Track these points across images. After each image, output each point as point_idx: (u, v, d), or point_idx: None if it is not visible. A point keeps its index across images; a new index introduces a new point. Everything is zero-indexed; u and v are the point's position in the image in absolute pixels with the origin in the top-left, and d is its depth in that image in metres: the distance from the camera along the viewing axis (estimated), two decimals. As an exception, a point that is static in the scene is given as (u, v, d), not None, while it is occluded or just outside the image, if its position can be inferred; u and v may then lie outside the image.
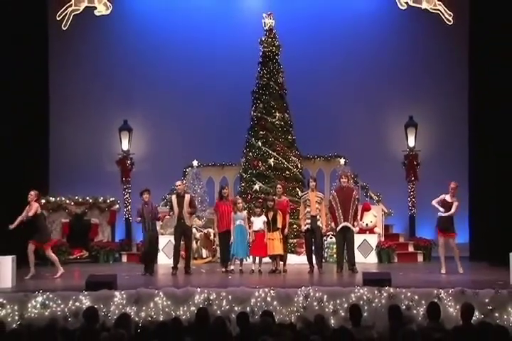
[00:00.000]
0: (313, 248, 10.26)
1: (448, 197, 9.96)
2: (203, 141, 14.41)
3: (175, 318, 6.36)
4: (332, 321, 7.12)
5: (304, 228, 10.28)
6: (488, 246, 11.78)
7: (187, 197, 10.42)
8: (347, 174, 11.10)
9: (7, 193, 11.85)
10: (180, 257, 10.46)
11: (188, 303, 7.32)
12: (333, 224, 10.48)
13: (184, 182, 12.78)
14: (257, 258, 10.42)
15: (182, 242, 10.45)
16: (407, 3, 14.46)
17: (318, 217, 10.17)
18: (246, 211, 10.92)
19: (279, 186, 10.89)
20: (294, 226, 11.84)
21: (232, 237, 10.40)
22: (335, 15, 14.71)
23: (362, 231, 11.93)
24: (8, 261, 8.70)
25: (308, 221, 10.15)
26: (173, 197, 10.50)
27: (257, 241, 10.30)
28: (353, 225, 10.19)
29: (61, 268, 9.90)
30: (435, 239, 12.77)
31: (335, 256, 11.47)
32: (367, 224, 12.36)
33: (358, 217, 10.54)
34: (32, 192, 9.88)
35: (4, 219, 11.63)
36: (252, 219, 10.45)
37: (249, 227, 10.50)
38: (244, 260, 10.51)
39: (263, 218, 10.37)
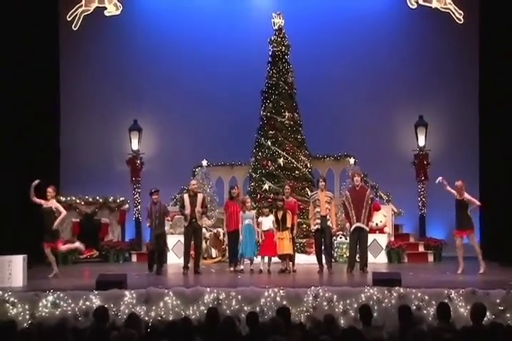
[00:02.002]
0: (322, 248, 10.24)
1: (457, 196, 9.88)
2: (212, 141, 14.43)
3: (184, 318, 6.37)
4: (342, 321, 7.09)
5: (313, 228, 10.26)
6: (499, 246, 11.71)
7: (200, 196, 10.41)
8: (360, 173, 11.02)
9: (17, 193, 11.92)
10: (190, 257, 10.46)
11: (198, 303, 7.32)
12: (347, 225, 10.44)
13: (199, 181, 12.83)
14: (266, 258, 10.43)
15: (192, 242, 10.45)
16: (417, 2, 14.40)
17: (327, 216, 10.14)
18: (255, 211, 10.91)
19: (287, 187, 10.90)
20: (304, 226, 11.83)
21: (240, 237, 10.42)
22: (344, 14, 14.68)
23: (372, 231, 11.86)
24: (19, 260, 8.74)
25: (318, 221, 10.12)
26: (186, 195, 10.46)
27: (266, 241, 10.30)
28: (367, 225, 10.15)
29: (56, 268, 9.88)
30: (446, 239, 12.77)
31: (344, 256, 11.47)
32: (377, 224, 12.32)
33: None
34: (50, 189, 9.93)
35: (16, 219, 11.75)
36: (260, 219, 10.44)
37: (257, 226, 10.47)
38: (253, 259, 10.50)
39: (271, 218, 10.38)
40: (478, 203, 9.98)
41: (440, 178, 9.96)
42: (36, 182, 9.70)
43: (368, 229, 10.24)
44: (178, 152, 14.59)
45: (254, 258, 10.52)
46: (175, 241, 12.13)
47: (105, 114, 14.78)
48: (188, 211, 10.19)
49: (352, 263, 10.12)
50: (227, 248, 11.57)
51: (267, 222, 10.36)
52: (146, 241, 13.33)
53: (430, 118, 14.25)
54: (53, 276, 9.70)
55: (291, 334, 5.74)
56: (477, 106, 13.35)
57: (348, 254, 11.46)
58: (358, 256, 10.20)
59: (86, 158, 14.53)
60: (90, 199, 13.47)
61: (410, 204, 13.86)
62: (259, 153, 12.98)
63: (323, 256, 10.25)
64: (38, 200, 9.83)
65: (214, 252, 12.42)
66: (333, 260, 10.73)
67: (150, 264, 10.30)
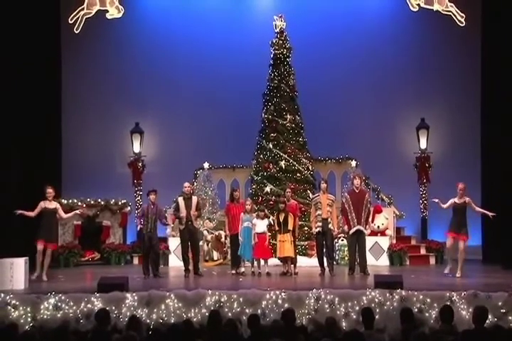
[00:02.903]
0: (324, 250, 10.23)
1: (456, 199, 9.83)
2: (214, 143, 14.44)
3: (186, 320, 6.37)
4: (343, 324, 7.09)
5: (315, 230, 10.26)
6: (501, 248, 11.69)
7: (194, 199, 10.38)
8: (360, 175, 11.01)
9: (20, 195, 11.95)
10: (189, 259, 10.41)
11: (199, 305, 7.32)
12: (345, 227, 10.44)
13: (195, 184, 12.83)
14: (262, 261, 10.42)
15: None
16: (418, 5, 14.42)
17: (329, 219, 10.12)
18: (256, 213, 10.89)
19: (288, 190, 10.91)
20: (306, 228, 11.83)
21: (240, 239, 10.42)
22: (346, 17, 14.70)
23: (373, 233, 11.88)
24: (20, 263, 8.74)
25: (320, 223, 10.11)
26: (180, 199, 10.45)
27: (259, 243, 10.31)
28: (365, 228, 10.15)
29: (45, 275, 9.74)
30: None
31: (346, 258, 11.47)
32: (378, 227, 12.31)
33: (370, 220, 10.48)
34: (50, 190, 9.93)
35: (18, 222, 11.76)
36: (255, 221, 10.43)
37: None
38: (253, 262, 10.48)
39: (266, 221, 10.42)
40: (478, 209, 9.94)
41: (436, 200, 9.92)
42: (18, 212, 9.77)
43: (366, 232, 10.21)
44: (180, 154, 14.60)
45: (253, 260, 10.50)
46: (176, 243, 12.11)
47: (107, 117, 14.80)
48: (183, 214, 10.15)
49: (352, 266, 10.10)
50: (229, 250, 11.55)
51: (262, 225, 10.38)
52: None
53: (432, 121, 14.24)
54: (35, 278, 9.58)
55: (294, 338, 5.74)
56: (479, 109, 13.37)
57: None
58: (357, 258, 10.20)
59: (88, 160, 14.54)
60: (92, 202, 13.44)
61: (412, 206, 13.85)
62: (261, 156, 12.98)
63: (325, 259, 10.23)
64: (37, 210, 9.82)
65: (215, 254, 12.41)
66: (334, 262, 10.71)
67: (146, 268, 10.17)
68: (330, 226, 10.10)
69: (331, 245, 10.25)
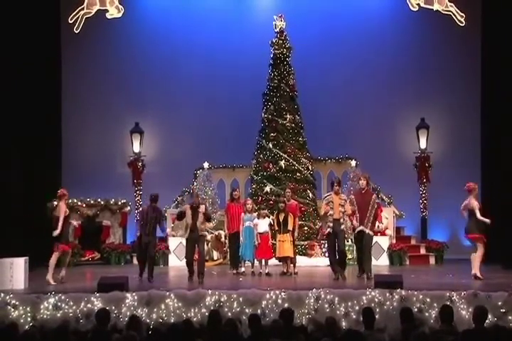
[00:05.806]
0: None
1: (476, 201, 9.55)
2: (214, 143, 14.45)
3: (186, 320, 6.37)
4: (343, 323, 7.09)
5: (325, 231, 10.07)
6: (502, 248, 11.69)
7: (202, 208, 9.90)
8: (365, 176, 10.85)
9: (20, 195, 11.95)
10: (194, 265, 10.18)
11: (199, 305, 7.32)
12: (350, 224, 10.34)
13: (195, 184, 12.81)
14: (263, 261, 10.42)
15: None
16: (418, 4, 14.42)
17: (341, 220, 9.83)
18: (257, 213, 10.88)
19: (288, 190, 10.88)
20: (306, 228, 11.82)
21: (241, 239, 10.42)
22: (345, 17, 14.71)
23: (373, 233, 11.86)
24: (20, 263, 8.75)
25: (331, 224, 9.81)
26: (188, 207, 9.93)
27: (261, 243, 10.32)
28: (371, 229, 10.02)
29: (51, 278, 9.52)
30: (448, 242, 12.77)
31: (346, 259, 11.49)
32: (378, 226, 12.29)
33: (377, 221, 10.34)
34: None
35: (18, 221, 11.77)
36: (257, 221, 10.43)
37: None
38: (253, 262, 10.45)
39: (267, 220, 10.41)
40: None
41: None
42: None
43: (371, 233, 10.06)
44: (180, 154, 14.60)
45: (254, 260, 10.48)
46: (176, 243, 12.13)
47: (107, 117, 14.80)
48: (189, 224, 9.74)
49: (361, 266, 9.97)
50: (228, 250, 11.54)
51: (263, 225, 10.38)
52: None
53: (432, 121, 14.24)
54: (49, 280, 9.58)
55: (293, 338, 5.73)
56: (479, 109, 13.37)
57: (350, 257, 11.44)
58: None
59: (88, 160, 14.54)
60: (92, 202, 13.46)
61: (412, 206, 13.84)
62: (261, 156, 12.98)
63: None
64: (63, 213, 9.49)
65: (215, 254, 12.41)
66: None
67: (142, 270, 9.87)
68: (342, 227, 9.81)
69: (343, 247, 9.87)
